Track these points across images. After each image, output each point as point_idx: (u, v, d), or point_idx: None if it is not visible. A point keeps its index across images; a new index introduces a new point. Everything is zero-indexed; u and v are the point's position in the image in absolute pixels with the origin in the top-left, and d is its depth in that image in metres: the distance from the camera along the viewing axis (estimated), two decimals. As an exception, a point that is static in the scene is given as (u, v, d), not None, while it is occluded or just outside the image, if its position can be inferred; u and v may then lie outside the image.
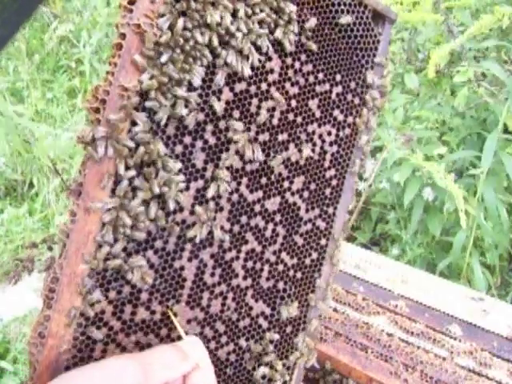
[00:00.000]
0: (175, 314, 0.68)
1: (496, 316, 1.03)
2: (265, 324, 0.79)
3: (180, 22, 0.57)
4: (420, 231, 2.04)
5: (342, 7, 0.75)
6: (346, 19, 0.74)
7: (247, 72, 0.65)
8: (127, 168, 0.59)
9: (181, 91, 0.59)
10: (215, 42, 0.60)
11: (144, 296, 0.65)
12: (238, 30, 0.63)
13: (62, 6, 3.91)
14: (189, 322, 0.71)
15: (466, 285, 1.84)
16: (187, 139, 0.64)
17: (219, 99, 0.65)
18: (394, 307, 1.08)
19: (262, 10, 0.64)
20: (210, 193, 0.67)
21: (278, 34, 0.67)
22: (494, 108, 1.92)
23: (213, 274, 0.71)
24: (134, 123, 0.59)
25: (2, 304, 2.11)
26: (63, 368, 0.60)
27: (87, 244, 0.58)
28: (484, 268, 1.91)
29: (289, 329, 0.83)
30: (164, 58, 0.57)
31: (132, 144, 0.58)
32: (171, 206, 0.63)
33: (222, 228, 0.70)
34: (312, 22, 0.71)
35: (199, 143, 0.65)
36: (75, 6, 3.64)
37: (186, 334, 0.69)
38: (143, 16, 0.56)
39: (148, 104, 0.58)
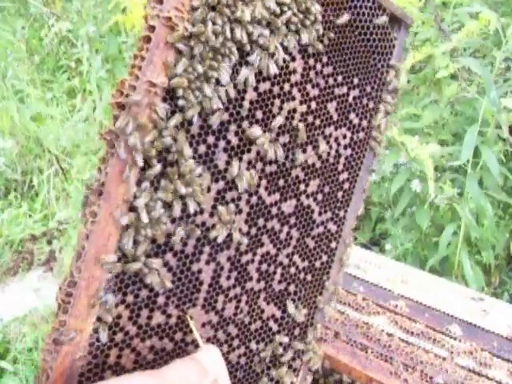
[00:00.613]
0: (190, 318, 0.66)
1: (496, 316, 1.05)
2: (275, 327, 0.79)
3: (211, 17, 0.55)
4: (414, 228, 2.06)
5: (364, 10, 0.74)
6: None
7: (273, 70, 0.64)
8: (150, 167, 0.57)
9: (209, 89, 0.57)
10: (245, 38, 0.59)
11: (161, 300, 0.63)
12: (267, 27, 0.61)
13: (62, 6, 3.77)
14: (203, 325, 0.69)
15: (460, 283, 1.87)
16: (211, 139, 0.62)
17: (243, 99, 0.63)
18: (394, 307, 1.09)
19: (289, 9, 0.63)
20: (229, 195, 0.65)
21: (304, 34, 0.66)
22: (473, 102, 1.95)
23: (229, 277, 0.70)
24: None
25: (2, 304, 2.03)
26: (77, 375, 0.58)
27: (107, 247, 0.56)
28: (479, 267, 1.94)
29: (297, 331, 0.82)
30: (195, 52, 0.55)
31: (164, 142, 0.56)
32: (192, 207, 0.61)
33: (240, 231, 0.69)
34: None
35: (222, 143, 0.63)
36: (75, 6, 3.51)
37: (201, 338, 0.67)
38: (173, 9, 0.54)
39: (178, 102, 0.56)
